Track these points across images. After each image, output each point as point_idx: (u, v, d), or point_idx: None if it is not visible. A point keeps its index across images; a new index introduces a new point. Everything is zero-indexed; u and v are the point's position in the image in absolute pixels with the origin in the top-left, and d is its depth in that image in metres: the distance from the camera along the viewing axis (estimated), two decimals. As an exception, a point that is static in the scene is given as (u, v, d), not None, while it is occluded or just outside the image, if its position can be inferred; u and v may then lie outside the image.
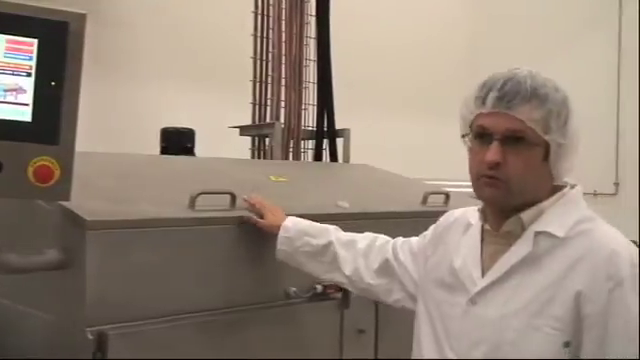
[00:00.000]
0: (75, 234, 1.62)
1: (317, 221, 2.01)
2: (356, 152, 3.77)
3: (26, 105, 1.42)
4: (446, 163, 6.71)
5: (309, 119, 3.73)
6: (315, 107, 3.72)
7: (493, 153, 1.45)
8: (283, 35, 3.65)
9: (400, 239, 1.87)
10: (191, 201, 1.87)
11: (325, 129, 3.71)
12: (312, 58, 3.74)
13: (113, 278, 1.64)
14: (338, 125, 3.76)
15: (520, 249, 1.48)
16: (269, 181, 2.49)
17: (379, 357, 2.25)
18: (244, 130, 3.72)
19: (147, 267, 1.70)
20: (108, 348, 1.57)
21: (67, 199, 1.50)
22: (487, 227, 1.57)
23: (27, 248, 1.65)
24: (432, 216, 2.51)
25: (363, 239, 1.89)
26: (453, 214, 1.78)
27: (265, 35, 3.70)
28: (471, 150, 1.58)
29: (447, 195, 2.63)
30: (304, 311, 2.06)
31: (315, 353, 2.08)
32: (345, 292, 2.11)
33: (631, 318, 1.37)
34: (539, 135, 1.45)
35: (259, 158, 3.70)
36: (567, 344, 1.39)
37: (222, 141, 3.59)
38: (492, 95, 1.49)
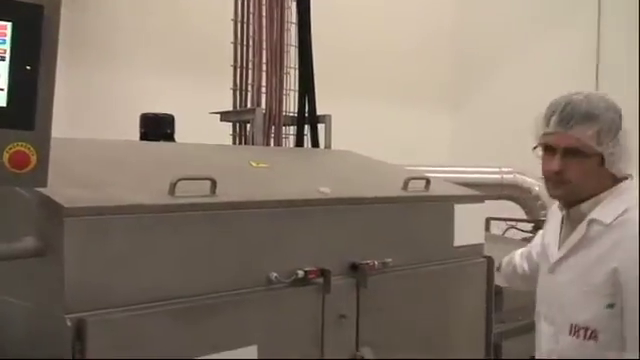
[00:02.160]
0: (52, 221, 1.60)
1: (298, 206, 2.10)
2: (337, 138, 3.76)
3: (0, 90, 1.40)
4: (427, 149, 6.76)
5: (290, 105, 3.72)
6: (296, 93, 3.70)
7: (555, 164, 1.91)
8: (264, 20, 3.62)
9: (541, 231, 2.42)
10: (171, 187, 1.85)
11: (306, 115, 3.70)
12: (293, 43, 3.71)
13: (92, 265, 1.62)
14: (319, 111, 3.74)
15: (578, 233, 1.95)
16: (250, 167, 2.48)
17: (360, 342, 2.26)
18: (225, 116, 3.70)
19: (126, 254, 1.69)
20: (87, 335, 1.56)
21: (44, 185, 1.48)
22: (563, 212, 2.06)
23: (4, 235, 1.63)
24: (413, 201, 2.55)
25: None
26: (556, 204, 2.20)
27: (246, 20, 3.67)
28: (542, 158, 2.02)
29: (428, 180, 2.64)
30: (286, 296, 2.05)
31: (296, 338, 2.08)
32: (326, 277, 2.11)
33: None
34: (592, 147, 1.87)
35: (240, 144, 3.68)
36: (610, 306, 1.85)
37: (202, 127, 3.55)
38: (554, 119, 1.93)
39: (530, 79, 7.37)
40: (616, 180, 1.95)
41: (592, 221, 1.92)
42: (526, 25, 7.49)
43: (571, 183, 1.92)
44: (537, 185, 4.57)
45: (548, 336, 2.04)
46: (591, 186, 1.93)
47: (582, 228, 1.95)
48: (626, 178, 1.97)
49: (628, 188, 1.94)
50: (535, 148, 2.03)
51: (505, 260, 2.75)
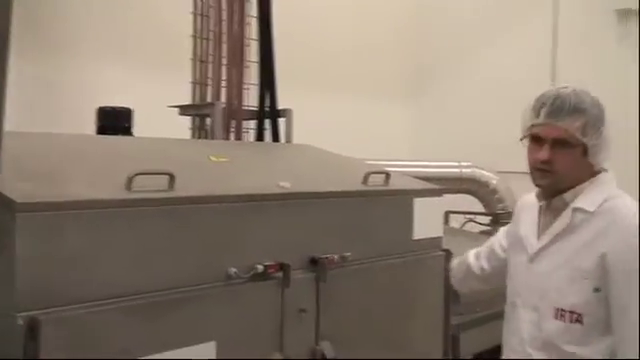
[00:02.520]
0: (5, 217, 1.56)
1: (257, 201, 2.09)
2: (298, 132, 3.76)
3: (-51, 82, 1.36)
4: (387, 143, 6.79)
5: (251, 99, 3.70)
6: (257, 87, 3.68)
7: (544, 154, 2.02)
8: (224, 13, 3.60)
9: (502, 229, 2.63)
10: (127, 182, 1.83)
11: (267, 109, 3.68)
12: (254, 37, 3.69)
13: (45, 262, 1.59)
14: (280, 105, 3.74)
15: (562, 221, 2.07)
16: (209, 161, 2.46)
17: (320, 336, 2.26)
18: (184, 110, 3.67)
19: (82, 250, 1.66)
20: (40, 334, 1.53)
21: (-5, 180, 1.45)
22: (542, 204, 2.18)
23: (-46, 232, 1.59)
24: (372, 195, 2.55)
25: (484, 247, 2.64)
26: (524, 198, 2.38)
27: (205, 13, 3.65)
28: (528, 149, 2.12)
29: (387, 174, 2.65)
30: (245, 291, 2.04)
31: (255, 333, 2.08)
32: (286, 272, 2.11)
33: None
34: (578, 139, 2.00)
35: (199, 138, 3.66)
36: (597, 289, 1.96)
37: (161, 121, 3.52)
38: (544, 110, 2.04)
39: (488, 74, 7.47)
40: (593, 172, 2.09)
41: (576, 209, 2.05)
42: (485, 21, 7.58)
43: (558, 173, 2.05)
44: (494, 179, 4.63)
45: (530, 323, 2.12)
46: (574, 176, 2.07)
47: (566, 216, 2.07)
48: (604, 171, 2.11)
49: (606, 180, 2.08)
50: (522, 139, 2.14)
51: (455, 263, 2.77)
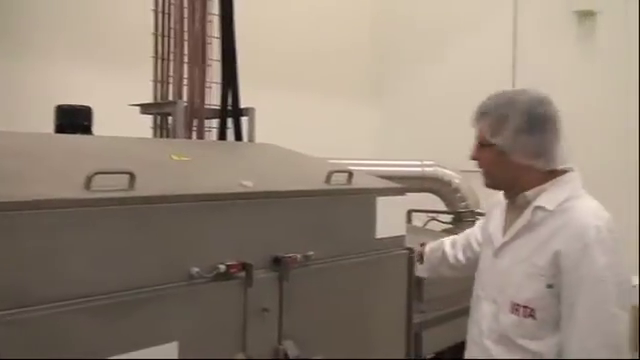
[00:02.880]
0: (-40, 217, 1.53)
1: (219, 200, 2.09)
2: (262, 131, 3.74)
3: None
4: (351, 142, 6.81)
5: (213, 97, 3.67)
6: (219, 85, 3.66)
7: (472, 152, 2.25)
8: (185, 11, 3.56)
9: (478, 222, 2.74)
10: (87, 181, 1.80)
11: (229, 108, 3.66)
12: (216, 35, 3.67)
13: (3, 263, 1.56)
14: (243, 104, 3.72)
15: (523, 218, 2.15)
16: (171, 160, 2.44)
17: (283, 336, 2.26)
18: (145, 108, 3.62)
19: (40, 250, 1.63)
20: (-2, 335, 1.50)
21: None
22: (506, 200, 2.29)
23: None
24: (335, 194, 2.56)
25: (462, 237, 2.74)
26: (497, 196, 2.42)
27: (167, 10, 3.61)
28: None
29: (350, 173, 2.65)
30: (207, 291, 2.03)
31: (218, 333, 2.07)
32: (248, 271, 2.10)
33: (593, 269, 1.96)
34: (488, 139, 2.16)
35: (161, 137, 3.62)
36: (550, 286, 2.03)
37: (122, 120, 3.47)
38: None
39: (451, 75, 7.54)
40: (557, 173, 2.15)
41: (537, 208, 2.13)
42: (447, 21, 7.64)
43: (483, 171, 2.26)
44: (457, 178, 4.67)
45: (490, 316, 2.20)
46: (502, 176, 2.20)
47: (527, 214, 2.15)
48: (570, 171, 2.18)
49: (571, 180, 2.15)
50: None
51: (430, 248, 2.84)
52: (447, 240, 2.79)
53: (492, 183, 2.27)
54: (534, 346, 2.07)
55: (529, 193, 2.16)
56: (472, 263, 2.57)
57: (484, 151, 2.20)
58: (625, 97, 6.37)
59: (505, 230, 2.26)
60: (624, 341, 1.96)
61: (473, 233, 2.68)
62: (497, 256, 2.24)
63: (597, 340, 1.94)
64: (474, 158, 2.24)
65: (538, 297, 2.06)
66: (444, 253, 2.75)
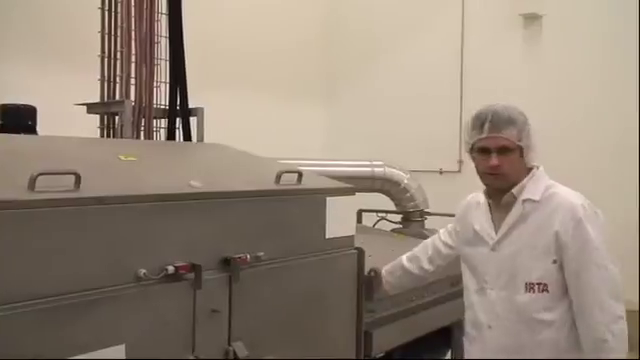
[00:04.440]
0: None
1: (168, 201, 2.07)
2: (211, 131, 3.72)
3: None
4: (301, 143, 6.81)
5: (161, 97, 3.63)
6: (168, 85, 3.62)
7: (494, 161, 2.41)
8: (132, 10, 3.51)
9: (442, 230, 2.94)
10: (31, 182, 1.76)
11: (178, 108, 3.63)
12: (164, 34, 3.63)
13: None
14: (192, 104, 3.68)
15: (515, 212, 2.46)
16: (118, 160, 2.40)
17: (233, 337, 2.25)
18: (92, 108, 3.56)
19: (-18, 253, 1.59)
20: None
21: None
22: (491, 202, 2.55)
23: None
24: (285, 194, 2.56)
25: (423, 248, 2.96)
26: (466, 199, 2.73)
27: (113, 9, 3.56)
28: (475, 158, 2.51)
29: (300, 174, 2.66)
30: (156, 293, 2.01)
31: (167, 335, 2.04)
32: (197, 272, 2.09)
33: (588, 239, 2.34)
34: (515, 143, 2.41)
35: (108, 137, 3.56)
36: (554, 261, 2.38)
37: (68, 119, 3.42)
38: (487, 126, 2.42)
39: (400, 76, 7.61)
40: (528, 170, 2.48)
41: (525, 201, 2.45)
42: (395, 23, 7.72)
43: (507, 174, 2.44)
44: (406, 178, 4.71)
45: (504, 300, 2.46)
46: (517, 175, 2.46)
47: (518, 208, 2.46)
48: (536, 168, 2.50)
49: (542, 174, 2.50)
50: (471, 151, 2.51)
51: (387, 271, 2.98)
52: (403, 257, 2.98)
53: (508, 184, 2.47)
54: (549, 316, 2.40)
55: (515, 190, 2.46)
56: (443, 269, 2.91)
57: (508, 156, 2.42)
58: (569, 97, 6.54)
59: (496, 226, 2.52)
60: (621, 288, 2.37)
61: (439, 240, 2.90)
62: (495, 249, 2.50)
63: (608, 293, 2.33)
64: (496, 165, 2.42)
65: (547, 273, 2.39)
66: (404, 269, 2.94)
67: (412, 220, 4.69)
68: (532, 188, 2.46)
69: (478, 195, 2.64)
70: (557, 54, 6.70)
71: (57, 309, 1.74)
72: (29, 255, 1.69)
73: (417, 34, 7.59)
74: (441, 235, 2.91)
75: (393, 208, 4.87)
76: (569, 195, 2.44)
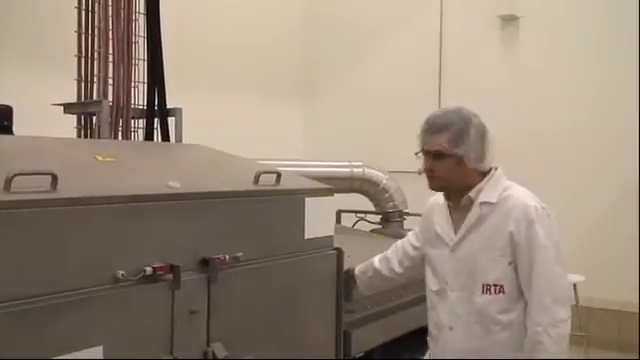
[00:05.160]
0: None
1: (146, 201, 2.06)
2: (189, 132, 3.70)
3: None
4: (280, 143, 6.81)
5: (139, 97, 3.61)
6: (145, 85, 3.60)
7: (426, 164, 2.50)
8: (110, 9, 3.48)
9: (410, 232, 2.95)
10: (6, 182, 1.74)
11: (156, 108, 3.61)
12: (142, 34, 3.60)
13: None
14: (171, 104, 3.67)
15: (473, 214, 2.49)
16: (95, 161, 2.39)
17: (211, 338, 2.24)
18: (68, 108, 3.53)
19: (-44, 254, 1.57)
20: None
21: None
22: (450, 204, 2.59)
23: None
24: (264, 195, 2.56)
25: (393, 250, 2.96)
26: (429, 202, 2.76)
27: (90, 8, 3.53)
28: (423, 161, 2.53)
29: (279, 174, 2.66)
30: (134, 294, 2.00)
31: (145, 336, 2.03)
32: (176, 273, 2.08)
33: (538, 240, 2.37)
34: (449, 150, 2.43)
35: (85, 137, 3.53)
36: (510, 262, 2.42)
37: (45, 120, 3.38)
38: (423, 131, 2.50)
39: (378, 76, 7.64)
40: (485, 172, 2.51)
41: (482, 203, 2.48)
42: (374, 23, 7.74)
43: (440, 178, 2.49)
44: (384, 178, 4.73)
45: (463, 301, 2.49)
46: (460, 180, 2.49)
47: (476, 210, 2.49)
48: (494, 169, 2.52)
49: (499, 176, 2.52)
50: (417, 153, 2.53)
51: (360, 270, 3.00)
52: (375, 258, 2.98)
53: (446, 188, 2.55)
54: (506, 318, 2.43)
55: (472, 193, 2.49)
56: (410, 270, 2.90)
57: (441, 161, 2.46)
58: (545, 98, 6.61)
59: (455, 228, 2.55)
60: (570, 293, 2.42)
61: (407, 242, 2.91)
62: (454, 250, 2.53)
63: (551, 295, 2.35)
64: (429, 169, 2.48)
65: (504, 274, 2.42)
66: (375, 270, 2.95)
67: (391, 220, 4.71)
68: (489, 191, 2.49)
69: (440, 197, 2.67)
70: (534, 55, 6.77)
71: (34, 310, 1.72)
72: (5, 256, 1.67)
73: (395, 34, 7.62)
74: (410, 237, 2.93)
75: (372, 208, 4.89)
76: (523, 196, 2.47)
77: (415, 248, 2.86)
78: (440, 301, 2.59)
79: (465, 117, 2.48)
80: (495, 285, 2.43)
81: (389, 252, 2.98)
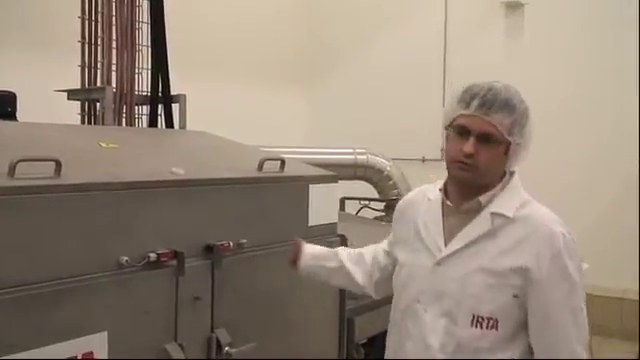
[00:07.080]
0: None
1: (150, 188, 2.05)
2: (193, 118, 3.69)
3: None
4: (284, 130, 6.80)
5: (143, 84, 3.60)
6: (149, 71, 3.59)
7: (470, 146, 1.87)
8: (113, -5, 3.47)
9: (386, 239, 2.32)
10: (10, 168, 1.75)
11: (160, 94, 3.60)
12: (145, 20, 3.59)
13: None
14: (174, 90, 3.66)
15: (480, 225, 1.93)
16: (99, 147, 2.39)
17: (215, 324, 2.25)
18: (72, 94, 3.52)
19: (-39, 240, 1.58)
20: None
21: None
22: (448, 203, 2.01)
23: None
24: (267, 182, 2.55)
25: (367, 253, 2.35)
26: (408, 196, 2.24)
27: (94, -6, 3.52)
28: (449, 139, 1.97)
29: (282, 161, 2.66)
30: (138, 280, 2.01)
31: (149, 322, 2.04)
32: (180, 260, 2.08)
33: (567, 278, 1.86)
34: (503, 135, 1.89)
35: (89, 124, 3.53)
36: (515, 296, 1.87)
37: (48, 106, 3.37)
38: (475, 102, 1.89)
39: (382, 62, 7.60)
40: (503, 174, 1.99)
41: (495, 214, 1.92)
42: (378, 10, 7.70)
43: (479, 168, 1.89)
44: (388, 165, 4.73)
45: (438, 328, 1.94)
46: (492, 173, 1.94)
47: (486, 221, 1.93)
48: (509, 174, 2.00)
49: (517, 185, 1.99)
50: (447, 128, 1.97)
51: (314, 255, 2.44)
52: (344, 253, 2.41)
53: (479, 183, 1.95)
54: (494, 357, 1.90)
55: (483, 198, 1.94)
56: (381, 286, 2.31)
57: (488, 147, 1.89)
58: (550, 86, 6.58)
59: (447, 236, 1.98)
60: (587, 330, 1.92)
61: (380, 249, 2.33)
62: (442, 264, 1.95)
63: (577, 337, 1.89)
64: (470, 154, 1.88)
65: (503, 308, 1.89)
66: (345, 268, 2.36)
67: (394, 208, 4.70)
68: (504, 200, 1.95)
69: (429, 189, 2.12)
70: (539, 43, 6.73)
71: (38, 296, 1.73)
72: (9, 242, 1.68)
73: (400, 21, 7.58)
74: (384, 243, 2.34)
75: (376, 196, 4.89)
76: (547, 219, 1.92)
77: (387, 255, 2.28)
78: (409, 324, 2.02)
79: (525, 101, 1.96)
80: (490, 319, 1.89)
81: (366, 259, 2.35)
